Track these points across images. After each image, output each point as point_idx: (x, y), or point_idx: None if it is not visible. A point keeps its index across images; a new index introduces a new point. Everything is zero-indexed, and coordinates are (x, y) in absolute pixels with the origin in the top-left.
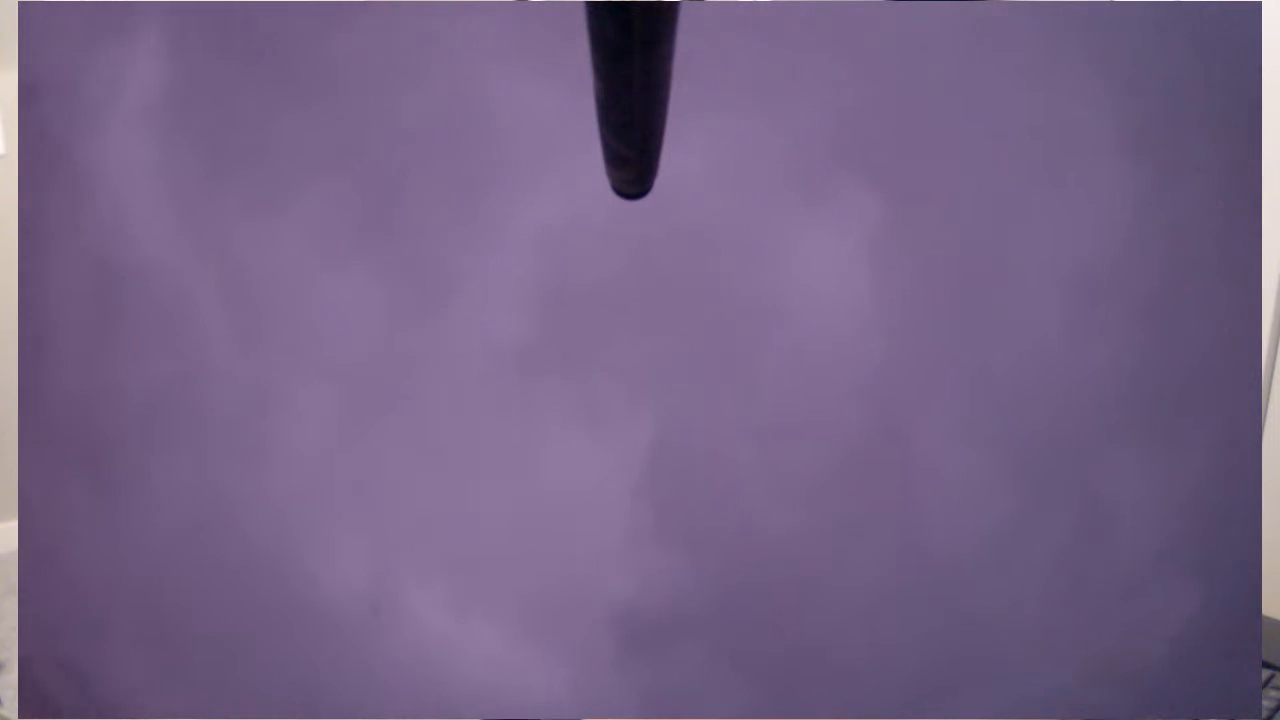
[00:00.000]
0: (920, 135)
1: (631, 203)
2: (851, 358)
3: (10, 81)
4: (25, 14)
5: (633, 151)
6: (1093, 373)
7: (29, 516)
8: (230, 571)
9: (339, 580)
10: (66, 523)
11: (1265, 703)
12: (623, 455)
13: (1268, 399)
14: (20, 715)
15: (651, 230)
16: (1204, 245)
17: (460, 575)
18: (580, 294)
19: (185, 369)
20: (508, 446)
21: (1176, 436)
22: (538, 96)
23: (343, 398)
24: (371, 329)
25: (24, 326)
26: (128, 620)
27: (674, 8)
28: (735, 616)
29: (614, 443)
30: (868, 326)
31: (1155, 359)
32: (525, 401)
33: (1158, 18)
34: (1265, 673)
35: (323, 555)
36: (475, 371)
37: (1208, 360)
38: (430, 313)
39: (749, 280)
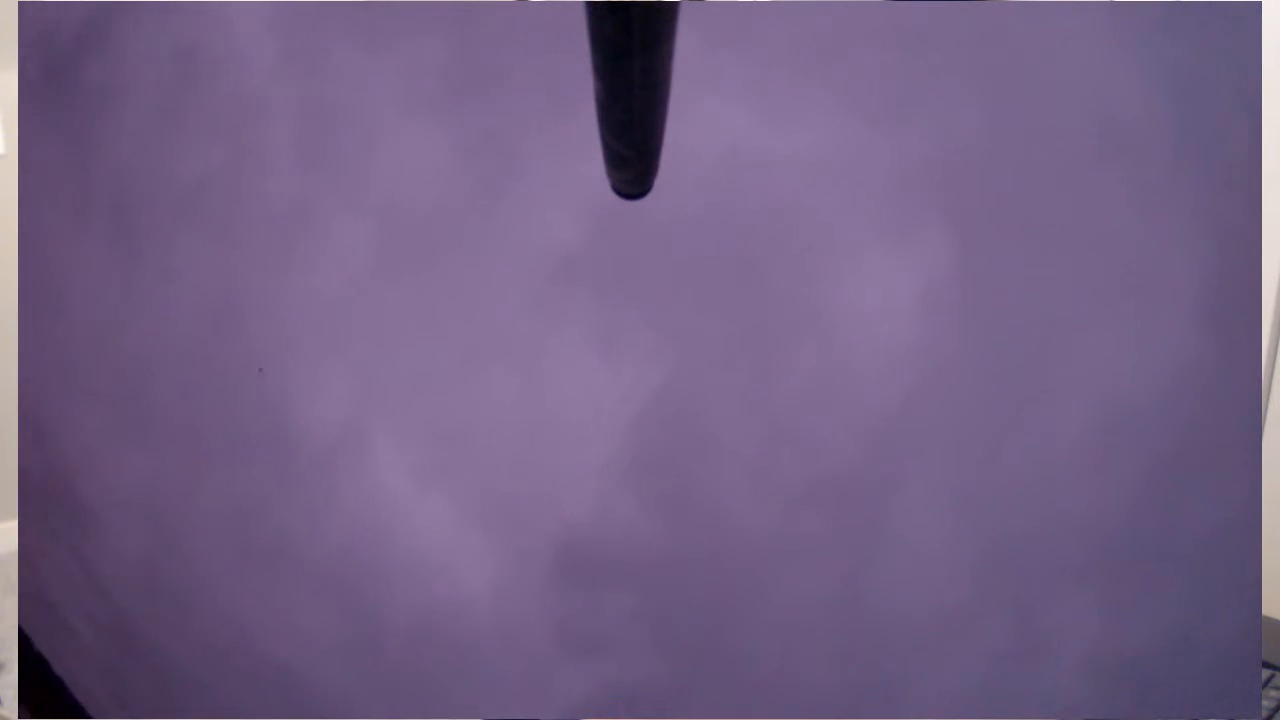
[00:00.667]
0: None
1: (635, 200)
2: (877, 389)
3: (10, 81)
4: (25, 14)
5: (632, 152)
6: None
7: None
8: (209, 368)
9: (312, 409)
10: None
11: (1265, 703)
12: (628, 392)
13: (1268, 399)
14: (20, 715)
15: (733, 199)
16: (1203, 242)
17: (434, 447)
18: (637, 234)
19: (233, 163)
20: (519, 342)
21: (1176, 436)
22: None
23: (380, 242)
24: (430, 186)
25: (24, 325)
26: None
27: (674, 8)
28: (676, 588)
29: (624, 376)
30: (902, 363)
31: (1156, 359)
32: (551, 305)
33: (1157, 18)
34: (1265, 673)
35: (305, 381)
36: (513, 259)
37: (1208, 359)
38: (492, 190)
39: (801, 277)
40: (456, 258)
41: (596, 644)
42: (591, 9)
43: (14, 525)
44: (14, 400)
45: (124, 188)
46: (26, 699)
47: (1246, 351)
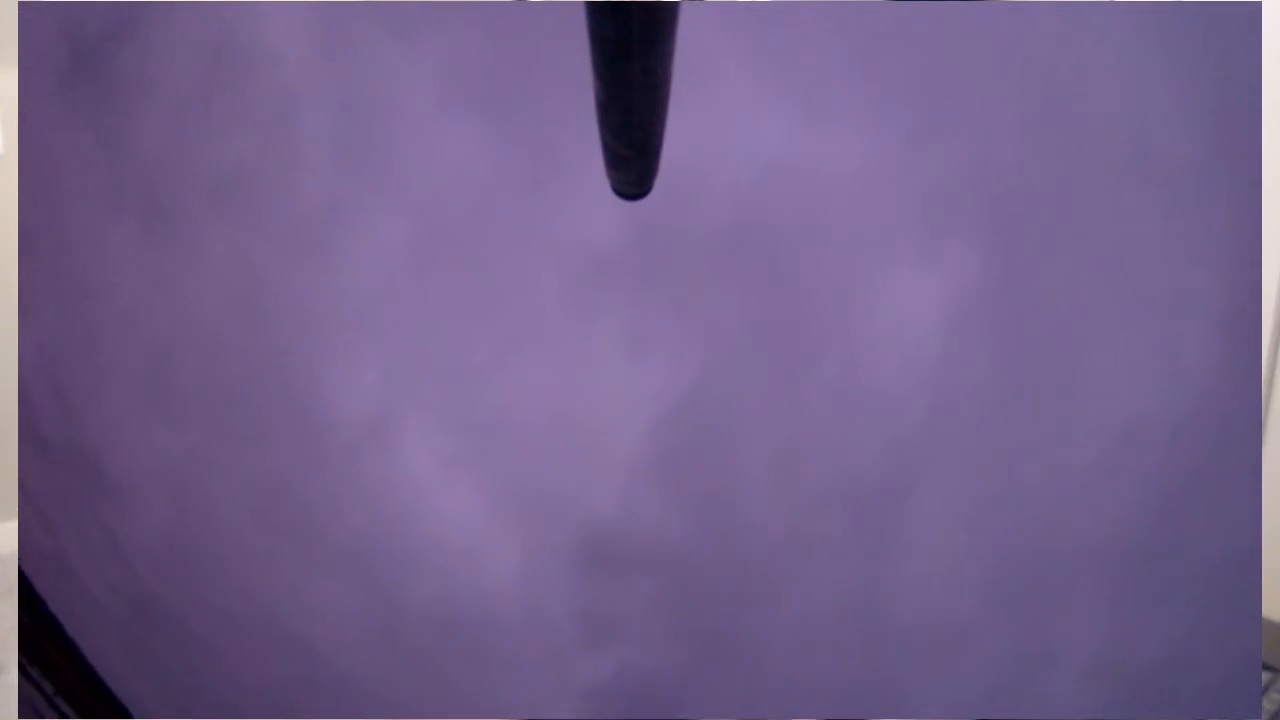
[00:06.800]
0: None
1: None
2: (898, 399)
3: (10, 81)
4: (25, 14)
5: (632, 152)
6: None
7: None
8: (236, 353)
9: (340, 398)
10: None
11: (1266, 705)
12: (656, 391)
13: (1268, 399)
14: (20, 715)
15: (768, 207)
16: (1204, 243)
17: (464, 439)
18: (672, 237)
19: (265, 156)
20: (552, 338)
21: (1189, 456)
22: None
23: (414, 236)
24: (466, 182)
25: (24, 326)
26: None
27: (674, 7)
28: (694, 582)
29: (653, 376)
30: (925, 375)
31: (1155, 360)
32: (584, 303)
33: (1157, 18)
34: (1266, 676)
35: (334, 371)
36: (552, 256)
37: (1208, 360)
38: (529, 187)
39: (830, 287)
40: (491, 253)
41: (616, 632)
42: (591, 9)
43: (14, 525)
44: (14, 400)
45: (155, 174)
46: (36, 660)
47: (1245, 352)
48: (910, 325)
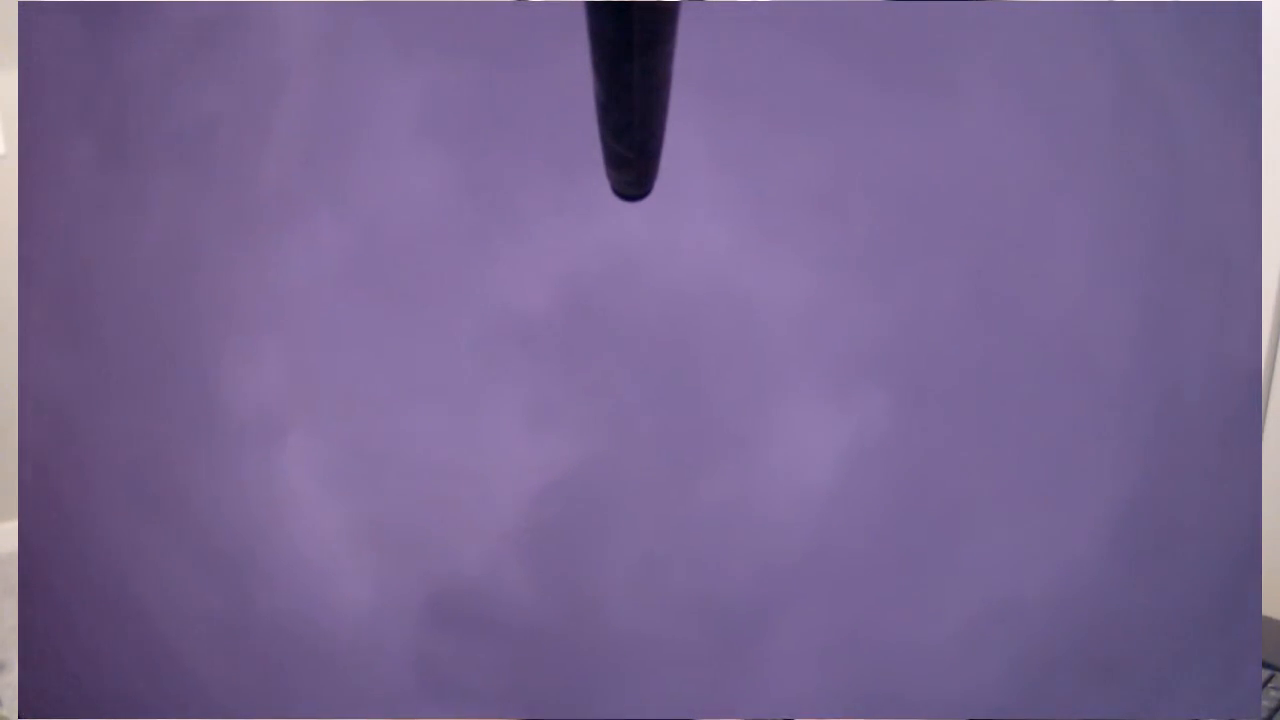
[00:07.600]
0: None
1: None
2: (779, 531)
3: (10, 81)
4: (25, 14)
5: (633, 153)
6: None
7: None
8: (165, 322)
9: (240, 384)
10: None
11: (1265, 703)
12: (545, 464)
13: (1268, 399)
14: (20, 715)
15: (697, 319)
16: (1204, 244)
17: (347, 462)
18: (599, 324)
19: (237, 125)
20: (459, 387)
21: (1176, 436)
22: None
23: (355, 253)
24: (421, 215)
25: (24, 326)
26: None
27: (674, 7)
28: (541, 658)
29: (545, 448)
30: (809, 514)
31: (1153, 359)
32: (498, 362)
33: (1157, 18)
34: (1265, 673)
35: (241, 357)
36: (478, 308)
37: (1207, 360)
38: (479, 237)
39: (738, 410)
40: (424, 290)
41: (453, 688)
42: (591, 9)
43: (14, 525)
44: (14, 400)
45: (126, 109)
46: None
47: (1245, 352)
48: (805, 463)
